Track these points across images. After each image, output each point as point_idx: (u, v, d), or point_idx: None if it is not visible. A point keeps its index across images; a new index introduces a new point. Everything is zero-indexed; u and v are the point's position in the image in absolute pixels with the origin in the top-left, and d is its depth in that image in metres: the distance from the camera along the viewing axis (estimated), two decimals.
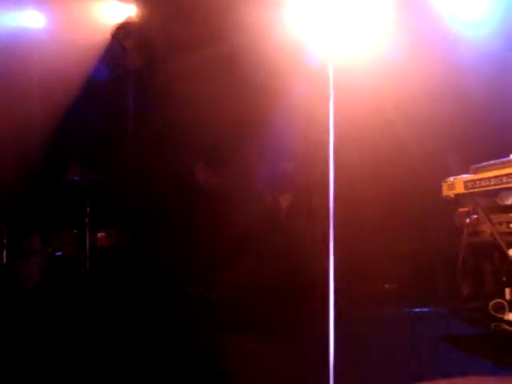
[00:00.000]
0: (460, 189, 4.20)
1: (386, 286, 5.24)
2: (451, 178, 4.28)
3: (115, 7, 5.78)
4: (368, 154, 5.50)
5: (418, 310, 4.49)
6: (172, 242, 5.73)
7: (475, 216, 4.26)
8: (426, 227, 5.11)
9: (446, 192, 4.31)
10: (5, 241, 5.89)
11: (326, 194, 4.24)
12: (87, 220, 5.99)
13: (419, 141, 5.45)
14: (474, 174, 4.15)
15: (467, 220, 4.34)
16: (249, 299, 4.82)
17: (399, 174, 5.50)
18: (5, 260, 5.90)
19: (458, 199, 4.29)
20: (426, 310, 4.40)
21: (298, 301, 4.68)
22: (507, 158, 3.96)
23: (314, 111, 4.87)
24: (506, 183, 3.87)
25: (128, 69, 5.28)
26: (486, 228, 4.13)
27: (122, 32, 5.33)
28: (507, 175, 3.85)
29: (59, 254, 6.09)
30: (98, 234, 6.21)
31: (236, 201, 5.72)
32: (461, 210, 4.46)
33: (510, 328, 3.68)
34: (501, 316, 3.82)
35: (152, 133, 5.85)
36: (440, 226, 4.79)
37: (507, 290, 4.00)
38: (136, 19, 5.62)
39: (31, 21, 5.82)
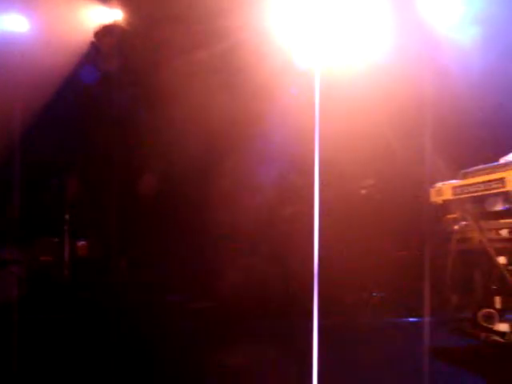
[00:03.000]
0: (448, 195, 4.10)
1: (374, 294, 5.12)
2: (439, 184, 4.18)
3: (99, 11, 5.74)
4: (355, 160, 5.40)
5: (406, 319, 4.37)
6: (154, 250, 5.60)
7: (464, 222, 4.14)
8: (415, 234, 4.99)
9: (434, 198, 4.21)
10: None
11: (312, 202, 4.15)
12: (66, 228, 5.82)
13: (407, 145, 5.36)
14: (462, 179, 4.04)
15: (456, 227, 4.21)
16: (233, 309, 4.69)
17: (387, 182, 5.43)
18: None
19: (447, 205, 4.19)
20: (415, 319, 4.28)
21: (283, 309, 4.56)
22: (496, 163, 3.86)
23: (302, 118, 4.79)
24: (496, 189, 3.76)
25: (106, 70, 5.18)
26: (475, 235, 4.00)
27: (101, 34, 5.25)
28: (496, 180, 3.74)
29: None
30: (79, 243, 6.04)
31: (222, 209, 5.60)
32: (449, 216, 4.33)
33: (500, 339, 3.56)
34: (491, 326, 3.71)
35: (136, 140, 5.72)
36: (428, 233, 4.67)
37: (497, 299, 3.89)
38: (116, 22, 5.54)
39: (15, 24, 5.73)
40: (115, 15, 5.75)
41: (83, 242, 6.08)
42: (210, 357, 3.45)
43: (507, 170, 3.68)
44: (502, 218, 3.93)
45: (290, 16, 5.38)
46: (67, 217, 5.85)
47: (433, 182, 4.26)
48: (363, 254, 5.18)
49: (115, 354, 3.52)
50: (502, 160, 3.85)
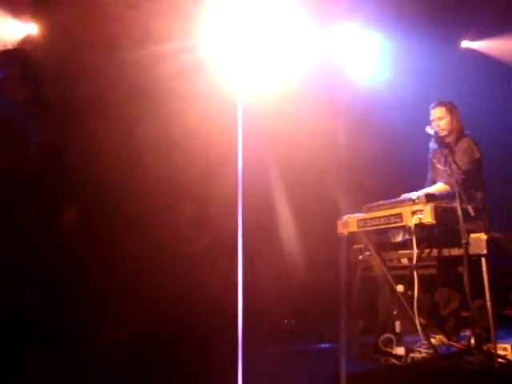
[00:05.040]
0: (353, 227, 4.41)
1: (286, 321, 5.34)
2: (345, 217, 4.49)
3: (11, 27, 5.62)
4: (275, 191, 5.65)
5: (316, 345, 4.60)
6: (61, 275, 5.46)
7: (367, 253, 4.47)
8: (323, 262, 5.27)
9: (341, 230, 4.52)
10: None
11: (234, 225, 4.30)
12: None
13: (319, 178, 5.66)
14: (366, 212, 4.37)
15: (360, 257, 4.54)
16: (149, 338, 4.71)
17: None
18: None
19: (352, 237, 4.50)
20: (325, 345, 4.52)
21: (201, 339, 4.64)
22: (395, 199, 4.22)
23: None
24: (394, 223, 4.11)
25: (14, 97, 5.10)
26: (377, 264, 4.34)
27: (5, 60, 5.14)
28: (394, 215, 4.09)
29: None
30: None
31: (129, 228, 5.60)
32: (355, 246, 4.66)
33: (397, 362, 3.87)
34: (390, 350, 4.02)
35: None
36: (336, 263, 4.96)
37: (397, 324, 4.22)
38: (23, 45, 5.46)
39: None
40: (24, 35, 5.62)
41: None
42: None
43: (404, 206, 4.05)
44: (402, 249, 4.30)
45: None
46: None
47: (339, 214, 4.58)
48: (274, 283, 5.38)
49: None
50: (403, 196, 4.23)
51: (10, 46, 5.03)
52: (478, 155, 4.46)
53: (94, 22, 5.32)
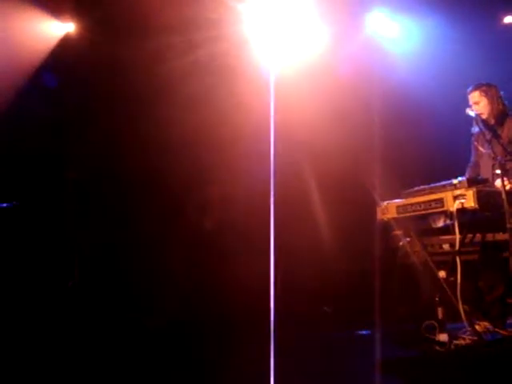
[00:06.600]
0: (393, 213, 4.34)
1: (325, 308, 5.31)
2: (385, 203, 4.42)
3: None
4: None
5: (355, 332, 4.57)
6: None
7: (408, 239, 4.40)
8: (363, 249, 5.22)
9: (381, 216, 4.45)
10: None
11: (268, 214, 4.30)
12: None
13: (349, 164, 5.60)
14: (404, 199, 4.30)
15: (400, 243, 4.47)
16: (190, 327, 4.78)
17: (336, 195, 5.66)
18: None
19: (392, 223, 4.44)
20: (364, 332, 4.48)
21: (239, 328, 4.66)
22: (434, 184, 4.13)
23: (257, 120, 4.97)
24: (435, 208, 4.03)
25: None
26: (418, 250, 4.26)
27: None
28: (435, 200, 4.01)
29: None
30: None
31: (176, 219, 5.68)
32: (395, 232, 4.59)
33: (440, 349, 3.80)
34: (432, 337, 3.95)
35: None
36: (377, 249, 4.91)
37: (439, 310, 4.15)
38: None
39: None
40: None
41: None
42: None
43: (445, 191, 3.97)
44: (443, 235, 4.21)
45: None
46: None
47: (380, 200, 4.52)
48: (312, 269, 5.37)
49: None
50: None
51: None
52: None
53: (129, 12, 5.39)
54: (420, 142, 5.76)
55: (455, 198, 3.88)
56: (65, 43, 5.74)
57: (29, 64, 5.65)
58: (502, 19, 6.24)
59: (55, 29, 5.81)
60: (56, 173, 5.73)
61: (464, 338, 3.84)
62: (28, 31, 5.62)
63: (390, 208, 4.35)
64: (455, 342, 3.84)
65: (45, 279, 5.38)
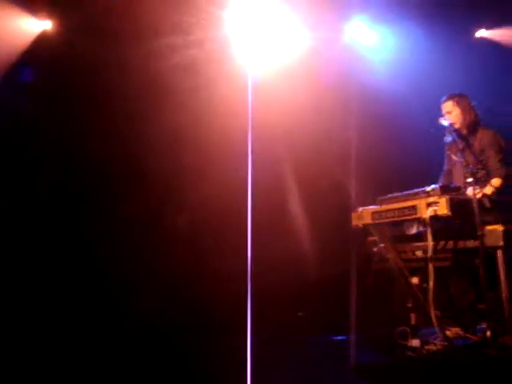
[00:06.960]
0: (368, 219, 4.40)
1: (299, 313, 5.34)
2: (360, 209, 4.47)
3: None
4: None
5: (329, 337, 4.60)
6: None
7: (382, 245, 4.45)
8: (338, 254, 5.26)
9: (356, 222, 4.50)
10: None
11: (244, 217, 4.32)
12: None
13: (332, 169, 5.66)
14: (379, 205, 4.35)
15: (375, 249, 4.52)
16: (164, 330, 4.76)
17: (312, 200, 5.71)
18: None
19: (367, 229, 4.49)
20: (339, 337, 4.52)
21: (214, 329, 4.67)
22: (408, 192, 4.20)
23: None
24: (408, 215, 4.09)
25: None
26: (392, 256, 4.32)
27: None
28: (409, 207, 4.07)
29: None
30: None
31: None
32: (370, 238, 4.65)
33: (412, 354, 3.86)
34: (404, 343, 4.01)
35: None
36: (351, 255, 4.95)
37: (412, 316, 4.21)
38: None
39: None
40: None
41: None
42: None
43: (418, 198, 4.03)
44: (416, 241, 4.28)
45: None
46: None
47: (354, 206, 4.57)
48: (288, 274, 5.39)
49: None
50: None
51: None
52: (502, 143, 4.40)
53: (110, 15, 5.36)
54: (395, 148, 5.83)
55: (428, 205, 3.94)
56: (42, 39, 5.69)
57: (5, 59, 5.59)
58: (474, 32, 6.39)
59: (32, 25, 5.78)
60: (30, 171, 5.65)
61: (435, 344, 3.90)
62: (5, 27, 5.56)
63: (365, 214, 4.41)
64: (427, 347, 3.90)
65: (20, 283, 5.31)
